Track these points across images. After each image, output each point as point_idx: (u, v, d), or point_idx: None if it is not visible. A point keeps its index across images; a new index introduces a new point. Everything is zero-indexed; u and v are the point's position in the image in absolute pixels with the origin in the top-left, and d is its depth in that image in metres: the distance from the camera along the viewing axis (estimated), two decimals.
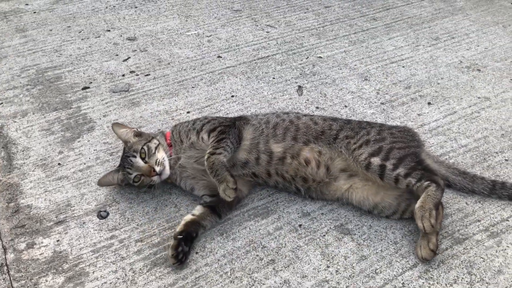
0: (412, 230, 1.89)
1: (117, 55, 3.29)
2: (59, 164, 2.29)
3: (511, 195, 1.99)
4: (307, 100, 2.76)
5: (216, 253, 1.83)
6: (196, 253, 1.83)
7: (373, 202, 1.91)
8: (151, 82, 2.96)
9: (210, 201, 1.97)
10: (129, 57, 3.25)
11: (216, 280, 1.72)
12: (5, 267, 1.78)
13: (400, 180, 1.81)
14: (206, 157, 1.89)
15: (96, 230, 1.94)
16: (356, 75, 2.99)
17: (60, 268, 1.78)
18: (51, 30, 3.67)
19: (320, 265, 1.77)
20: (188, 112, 2.66)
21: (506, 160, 2.25)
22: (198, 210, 1.93)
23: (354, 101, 2.73)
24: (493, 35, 3.46)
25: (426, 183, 1.76)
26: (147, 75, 3.04)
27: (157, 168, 1.93)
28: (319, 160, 1.95)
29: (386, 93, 2.80)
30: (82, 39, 3.52)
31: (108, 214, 2.01)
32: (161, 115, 2.65)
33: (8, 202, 2.08)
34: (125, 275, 1.75)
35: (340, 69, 3.07)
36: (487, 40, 3.38)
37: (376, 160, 1.85)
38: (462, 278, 1.71)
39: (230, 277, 1.73)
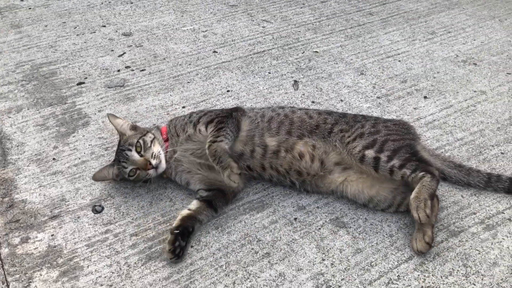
0: (407, 223, 1.89)
1: (113, 50, 3.27)
2: (54, 159, 2.28)
3: (507, 187, 1.99)
4: (303, 94, 2.75)
5: (211, 246, 1.82)
6: (191, 246, 1.82)
7: (368, 195, 1.91)
8: (147, 77, 2.95)
9: (206, 196, 1.97)
10: (125, 53, 3.24)
11: (211, 274, 1.72)
12: (0, 262, 1.78)
13: (395, 172, 1.81)
14: (207, 145, 1.87)
15: (90, 224, 1.93)
16: (352, 70, 2.98)
17: (55, 263, 1.77)
18: (46, 26, 3.65)
19: (316, 258, 1.76)
20: (183, 107, 2.66)
21: (502, 153, 2.25)
22: (194, 204, 1.92)
23: (350, 96, 2.72)
24: (489, 29, 3.45)
25: (421, 173, 1.76)
26: (142, 70, 3.03)
27: (153, 162, 1.92)
28: (313, 154, 1.94)
29: (382, 87, 2.79)
30: (77, 35, 3.51)
31: (103, 208, 2.01)
32: (157, 110, 2.64)
33: (2, 197, 2.07)
34: (120, 269, 1.74)
35: (336, 63, 3.06)
36: (483, 34, 3.38)
37: (370, 153, 1.85)
38: (458, 270, 1.70)
39: (225, 270, 1.73)
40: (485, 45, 3.24)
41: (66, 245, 1.84)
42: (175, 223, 1.84)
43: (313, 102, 2.67)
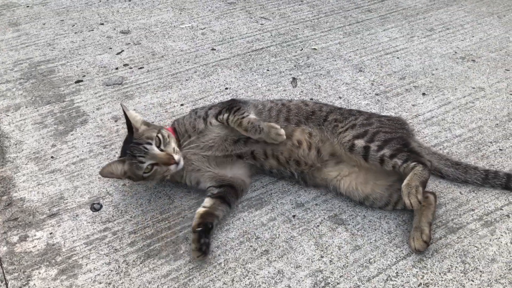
0: (406, 220, 1.89)
1: (111, 48, 3.27)
2: (52, 157, 2.28)
3: (504, 184, 1.99)
4: (302, 91, 2.75)
5: (210, 244, 1.82)
6: (190, 244, 1.82)
7: (363, 193, 1.91)
8: (145, 75, 2.95)
9: (218, 192, 1.94)
10: (123, 50, 3.23)
11: (210, 271, 1.72)
12: None
13: (385, 161, 1.81)
14: (236, 124, 1.91)
15: (89, 222, 1.93)
16: (350, 67, 2.98)
17: (53, 261, 1.77)
18: (44, 23, 3.64)
19: (314, 255, 1.76)
20: (182, 105, 2.65)
21: (500, 149, 2.25)
22: (207, 202, 1.90)
23: (348, 92, 2.72)
24: (488, 26, 3.45)
25: (413, 163, 1.76)
26: (140, 68, 3.02)
27: (176, 156, 1.82)
28: (310, 142, 1.97)
29: (381, 84, 2.79)
30: (75, 33, 3.50)
31: (101, 206, 2.00)
32: (155, 108, 2.63)
33: (0, 195, 2.07)
34: (119, 267, 1.74)
35: (335, 60, 3.06)
36: (482, 31, 3.38)
37: (360, 142, 1.86)
38: (456, 267, 1.70)
39: (223, 268, 1.73)
40: (483, 41, 3.23)
41: (64, 243, 1.84)
42: (194, 221, 1.80)
43: (311, 99, 2.67)
